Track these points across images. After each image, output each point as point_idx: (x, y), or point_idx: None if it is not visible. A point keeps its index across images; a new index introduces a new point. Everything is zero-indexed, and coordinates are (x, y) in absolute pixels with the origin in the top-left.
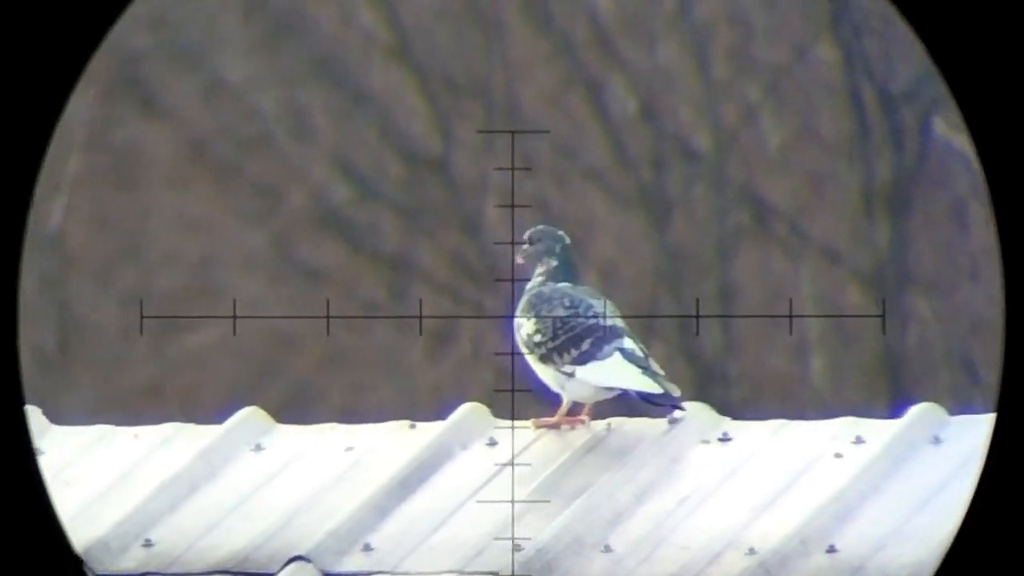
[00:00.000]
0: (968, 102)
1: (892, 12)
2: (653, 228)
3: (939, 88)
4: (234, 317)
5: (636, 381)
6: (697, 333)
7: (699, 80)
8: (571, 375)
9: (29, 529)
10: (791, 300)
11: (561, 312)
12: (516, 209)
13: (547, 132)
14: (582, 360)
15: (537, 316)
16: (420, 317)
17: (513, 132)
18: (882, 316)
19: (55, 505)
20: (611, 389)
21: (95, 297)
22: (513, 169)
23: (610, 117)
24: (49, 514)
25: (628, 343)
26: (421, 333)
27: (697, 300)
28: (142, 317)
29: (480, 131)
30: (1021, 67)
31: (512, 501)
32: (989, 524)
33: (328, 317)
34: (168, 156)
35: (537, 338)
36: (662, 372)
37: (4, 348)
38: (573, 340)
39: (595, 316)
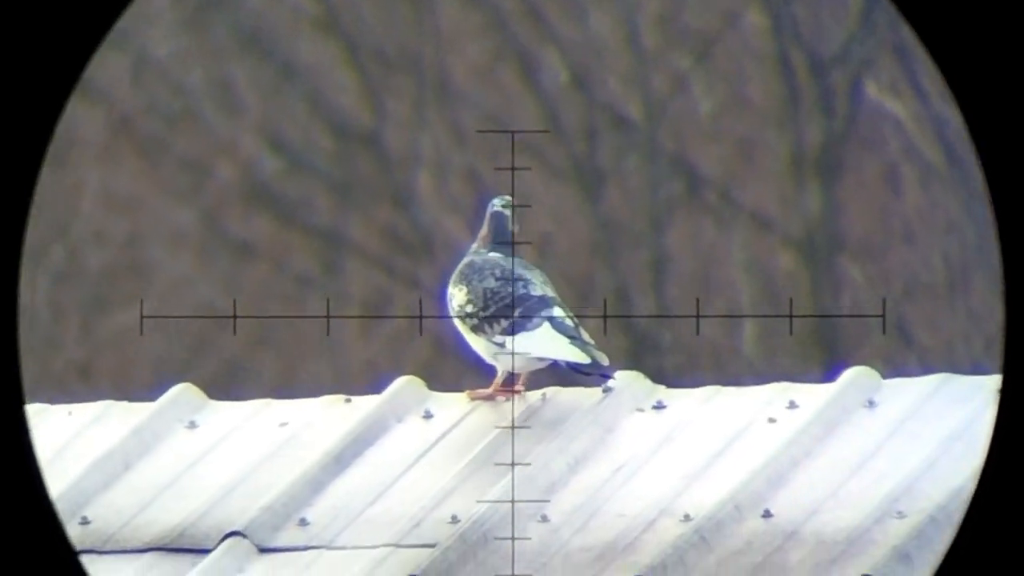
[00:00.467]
0: (968, 100)
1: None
2: (587, 199)
3: (870, 50)
4: (234, 317)
5: (564, 351)
6: (698, 333)
7: (629, 49)
8: (502, 345)
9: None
10: (791, 299)
11: (491, 283)
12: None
13: (547, 132)
14: (512, 330)
15: (468, 286)
16: (420, 317)
17: (513, 132)
18: (882, 316)
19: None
20: (542, 359)
21: (26, 277)
22: (513, 169)
23: (542, 88)
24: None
25: (558, 312)
26: (421, 333)
27: (698, 300)
28: (142, 317)
29: (480, 131)
30: (1021, 67)
31: (512, 501)
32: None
33: (328, 317)
34: (96, 133)
35: (468, 309)
36: (592, 341)
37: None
38: (503, 310)
39: (526, 286)
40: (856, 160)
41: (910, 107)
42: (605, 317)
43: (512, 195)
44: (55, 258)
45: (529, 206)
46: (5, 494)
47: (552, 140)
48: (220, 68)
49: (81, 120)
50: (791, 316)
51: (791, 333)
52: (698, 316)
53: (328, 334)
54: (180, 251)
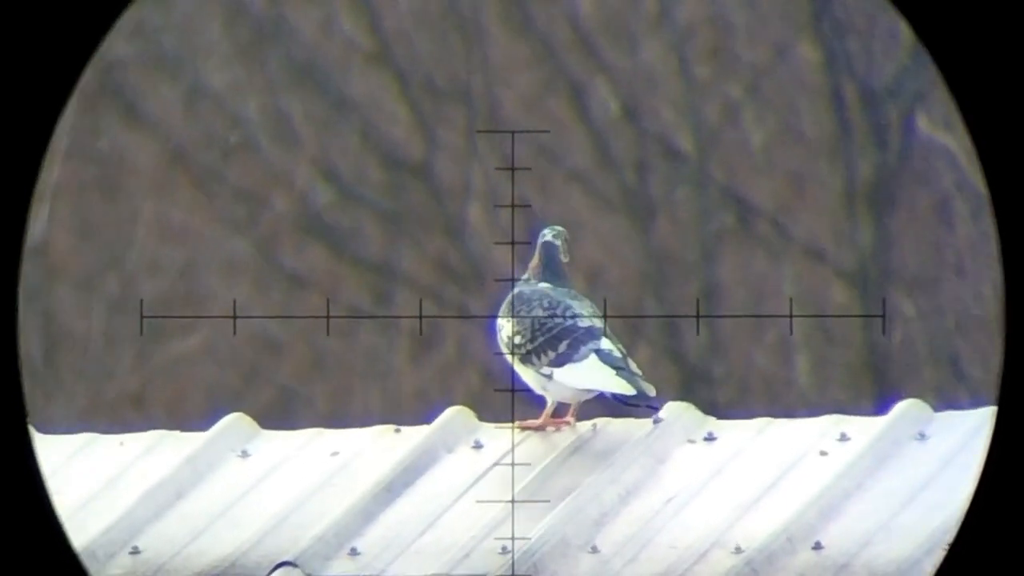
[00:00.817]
0: (967, 101)
1: (876, 8)
2: (637, 230)
3: (922, 84)
4: (234, 317)
5: (611, 383)
6: (698, 333)
7: (681, 81)
8: (549, 377)
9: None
10: (791, 299)
11: (540, 313)
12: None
13: (547, 132)
14: (559, 362)
15: (517, 317)
16: (420, 317)
17: (513, 132)
18: (882, 316)
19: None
20: (589, 390)
21: (80, 306)
22: (513, 169)
23: (593, 119)
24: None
25: (605, 344)
26: (421, 332)
27: (697, 300)
28: (142, 317)
29: (479, 131)
30: (1021, 67)
31: (512, 501)
32: (988, 522)
33: (328, 317)
34: (151, 164)
35: (517, 340)
36: (639, 372)
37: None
38: (550, 342)
39: (573, 317)
40: (908, 193)
41: (962, 140)
42: (605, 317)
43: (512, 196)
44: (109, 287)
45: (530, 205)
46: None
47: (603, 170)
48: (274, 100)
49: (135, 150)
50: (791, 316)
51: (791, 333)
52: (698, 316)
53: (328, 333)
54: (234, 281)
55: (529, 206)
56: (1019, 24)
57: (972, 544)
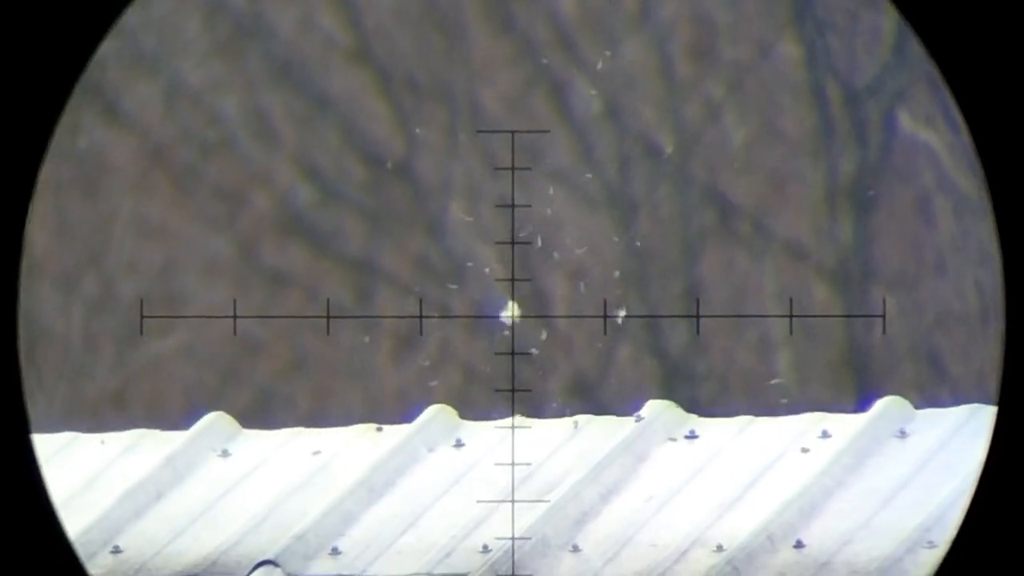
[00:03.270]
0: (967, 100)
1: (857, 5)
2: (619, 228)
3: (904, 81)
4: (234, 317)
5: None
6: (698, 332)
7: (662, 79)
8: None
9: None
10: (791, 299)
11: None
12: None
13: (547, 132)
14: None
15: None
16: (420, 317)
17: (513, 132)
18: (882, 316)
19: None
20: None
21: (59, 305)
22: (513, 169)
23: (574, 117)
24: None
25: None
26: (422, 333)
27: (697, 300)
28: (142, 317)
29: (480, 131)
30: (1021, 66)
31: (512, 500)
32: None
33: (329, 317)
34: (130, 162)
35: None
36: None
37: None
38: None
39: None
40: (889, 190)
41: (944, 137)
42: (605, 317)
43: (512, 196)
44: (88, 287)
45: (530, 205)
46: (19, 530)
47: (584, 168)
48: (254, 98)
49: (113, 148)
50: (791, 316)
51: (791, 333)
52: (698, 316)
53: (328, 333)
54: (214, 280)
55: (529, 206)
56: (1019, 23)
57: (972, 544)
